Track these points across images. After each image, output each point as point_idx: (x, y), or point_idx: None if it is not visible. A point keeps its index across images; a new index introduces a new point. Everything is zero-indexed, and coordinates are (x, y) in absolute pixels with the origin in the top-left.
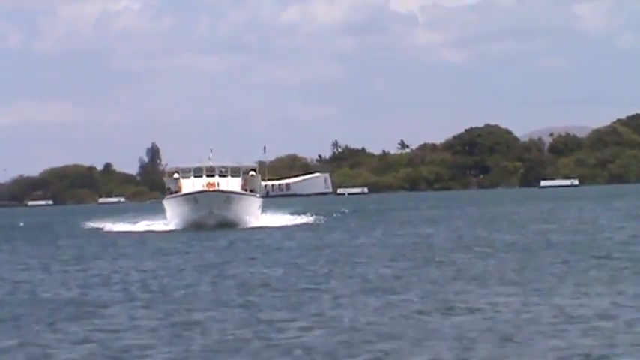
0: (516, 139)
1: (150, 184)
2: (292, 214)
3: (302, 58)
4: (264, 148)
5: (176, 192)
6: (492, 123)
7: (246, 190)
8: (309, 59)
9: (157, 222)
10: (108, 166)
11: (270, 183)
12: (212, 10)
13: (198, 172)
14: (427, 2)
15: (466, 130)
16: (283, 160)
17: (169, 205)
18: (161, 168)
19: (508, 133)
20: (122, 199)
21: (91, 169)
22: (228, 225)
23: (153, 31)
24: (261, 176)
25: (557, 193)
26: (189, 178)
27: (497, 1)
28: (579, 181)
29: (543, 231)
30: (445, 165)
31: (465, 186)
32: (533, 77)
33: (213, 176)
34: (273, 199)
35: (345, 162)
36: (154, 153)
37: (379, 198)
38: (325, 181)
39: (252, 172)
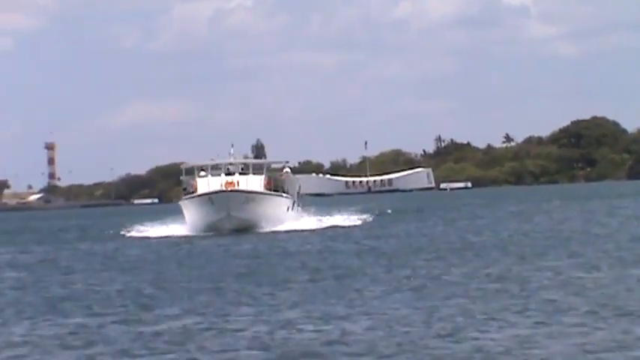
0: (624, 131)
1: None
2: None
3: (414, 54)
4: (366, 144)
5: (192, 192)
6: (599, 115)
7: (270, 190)
8: (420, 54)
9: (178, 225)
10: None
11: (372, 178)
12: (325, 7)
13: (215, 170)
14: None
15: (572, 123)
16: (387, 155)
17: (185, 207)
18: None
19: (615, 125)
20: None
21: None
22: (247, 228)
23: (266, 28)
24: (364, 171)
25: None
26: (205, 176)
27: None
28: None
29: None
30: (551, 158)
31: (572, 179)
32: None
33: (232, 174)
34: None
35: (450, 156)
36: (258, 149)
37: (481, 192)
38: (427, 176)
39: (286, 169)
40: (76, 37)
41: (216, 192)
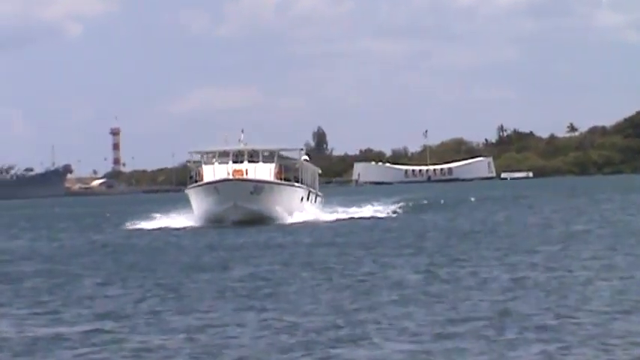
0: None
1: None
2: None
3: (481, 42)
4: (426, 132)
5: (198, 181)
6: None
7: (281, 179)
8: (487, 42)
9: (183, 215)
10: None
11: (432, 167)
12: None
13: (223, 157)
14: None
15: (637, 113)
16: (449, 144)
17: (191, 196)
18: (327, 152)
19: None
20: None
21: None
22: (256, 220)
23: (333, 15)
24: (424, 160)
25: None
26: (212, 163)
27: None
28: None
29: None
30: (615, 148)
31: (636, 170)
32: None
33: (241, 162)
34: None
35: (512, 146)
36: (319, 137)
37: (542, 182)
38: (488, 165)
39: (304, 157)
40: (144, 24)
41: (221, 180)
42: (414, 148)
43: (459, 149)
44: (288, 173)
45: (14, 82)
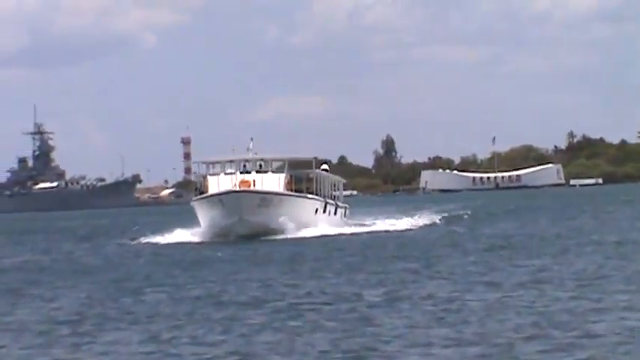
0: None
1: (384, 176)
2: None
3: (554, 47)
4: (494, 139)
5: (203, 192)
6: None
7: (292, 190)
8: (560, 48)
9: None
10: (342, 159)
11: (500, 174)
12: (465, 0)
13: (229, 167)
14: None
15: None
16: (518, 151)
17: (196, 209)
18: (396, 160)
19: None
20: (354, 192)
21: (326, 162)
22: (264, 233)
23: (405, 23)
24: (493, 167)
25: None
26: (218, 174)
27: None
28: None
29: None
30: None
31: None
32: None
33: (249, 172)
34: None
35: (582, 152)
36: (388, 144)
37: (612, 189)
38: (557, 172)
39: (324, 166)
40: (216, 33)
41: (226, 192)
42: (483, 155)
43: (528, 156)
44: (301, 184)
45: (88, 93)
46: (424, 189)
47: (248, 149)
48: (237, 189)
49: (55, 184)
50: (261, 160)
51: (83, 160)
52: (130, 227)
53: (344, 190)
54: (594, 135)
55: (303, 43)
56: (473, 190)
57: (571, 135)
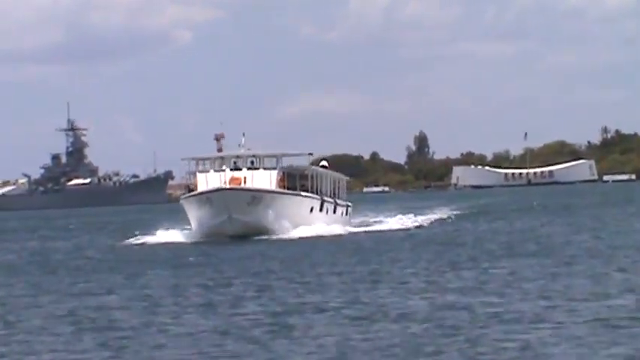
0: None
1: (416, 172)
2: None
3: (588, 43)
4: (525, 135)
5: (192, 190)
6: None
7: (285, 187)
8: (596, 44)
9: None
10: (374, 155)
11: (532, 170)
12: None
13: (219, 164)
14: None
15: None
16: (551, 147)
17: (185, 208)
18: (428, 156)
19: None
20: (386, 188)
21: (358, 158)
22: (254, 233)
23: (440, 19)
24: (525, 164)
25: None
26: (207, 171)
27: None
28: None
29: None
30: None
31: None
32: None
33: (239, 169)
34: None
35: (616, 147)
36: (421, 140)
37: None
38: (590, 167)
39: (323, 163)
40: (252, 29)
41: (215, 190)
42: (515, 151)
43: (562, 151)
44: (294, 181)
45: (123, 90)
46: (455, 185)
47: (240, 145)
48: (226, 186)
49: (87, 180)
50: (253, 156)
51: (116, 156)
52: (156, 224)
53: (376, 186)
54: (628, 130)
55: (338, 39)
56: (505, 186)
57: (605, 130)
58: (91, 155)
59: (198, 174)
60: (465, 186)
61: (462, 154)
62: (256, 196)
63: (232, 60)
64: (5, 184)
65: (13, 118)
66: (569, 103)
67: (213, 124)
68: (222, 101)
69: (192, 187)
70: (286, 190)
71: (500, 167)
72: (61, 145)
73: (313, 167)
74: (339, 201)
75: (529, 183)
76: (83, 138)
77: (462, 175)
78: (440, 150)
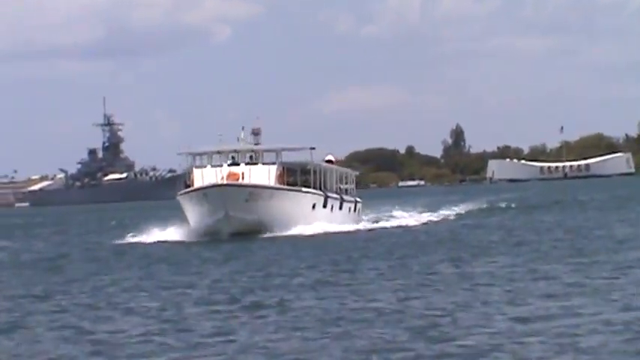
0: None
1: (452, 166)
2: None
3: (626, 37)
4: (562, 128)
5: (189, 186)
6: None
7: (285, 183)
8: (634, 38)
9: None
10: (410, 149)
11: (568, 164)
12: None
13: (216, 158)
14: None
15: None
16: (588, 140)
17: (182, 204)
18: (465, 150)
19: None
20: (422, 182)
21: (394, 152)
22: (253, 231)
23: (477, 13)
24: (561, 157)
25: None
26: (205, 166)
27: None
28: None
29: None
30: None
31: None
32: None
33: (237, 164)
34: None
35: None
36: (457, 134)
37: None
38: (627, 161)
39: (329, 156)
40: (289, 24)
41: (211, 186)
42: (552, 144)
43: (599, 145)
44: (295, 177)
45: (160, 85)
46: (491, 179)
47: (239, 139)
48: (223, 182)
49: (124, 175)
50: (252, 150)
51: (153, 151)
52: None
53: (412, 180)
54: None
55: (376, 33)
56: (541, 179)
57: None
58: (128, 150)
59: (194, 169)
60: (500, 180)
61: (498, 148)
62: (254, 192)
63: (270, 54)
64: (43, 179)
65: (50, 114)
66: (606, 96)
67: (250, 119)
68: (259, 96)
69: (189, 182)
70: (286, 186)
71: (536, 160)
72: (97, 140)
73: (316, 162)
74: (345, 197)
75: (565, 176)
76: (119, 133)
77: (497, 169)
78: (476, 144)
